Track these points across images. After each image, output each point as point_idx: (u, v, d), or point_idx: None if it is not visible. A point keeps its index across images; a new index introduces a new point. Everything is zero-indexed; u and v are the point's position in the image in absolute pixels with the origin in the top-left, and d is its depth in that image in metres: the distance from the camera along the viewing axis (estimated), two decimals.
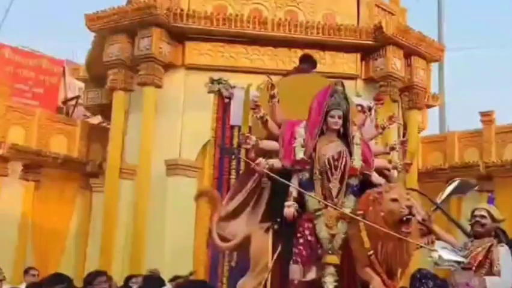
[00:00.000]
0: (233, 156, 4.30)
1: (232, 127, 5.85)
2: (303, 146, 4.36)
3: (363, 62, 9.13)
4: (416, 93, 9.28)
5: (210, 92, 5.98)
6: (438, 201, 4.46)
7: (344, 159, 4.33)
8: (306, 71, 5.81)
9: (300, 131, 4.44)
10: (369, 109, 4.79)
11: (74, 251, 10.49)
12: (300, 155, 4.32)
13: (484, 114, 10.10)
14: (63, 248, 10.42)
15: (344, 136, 4.45)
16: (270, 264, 4.16)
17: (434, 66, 12.98)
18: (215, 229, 4.48)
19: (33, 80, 15.47)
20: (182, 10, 8.67)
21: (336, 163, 4.30)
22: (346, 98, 4.45)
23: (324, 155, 4.31)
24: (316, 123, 4.40)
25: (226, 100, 5.92)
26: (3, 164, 9.80)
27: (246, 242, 4.36)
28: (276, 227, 4.28)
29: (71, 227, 10.57)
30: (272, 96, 4.53)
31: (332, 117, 4.39)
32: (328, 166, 4.28)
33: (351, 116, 4.47)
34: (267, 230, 4.30)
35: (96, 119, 13.02)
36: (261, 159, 4.29)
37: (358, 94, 5.73)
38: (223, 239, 4.52)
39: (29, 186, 10.14)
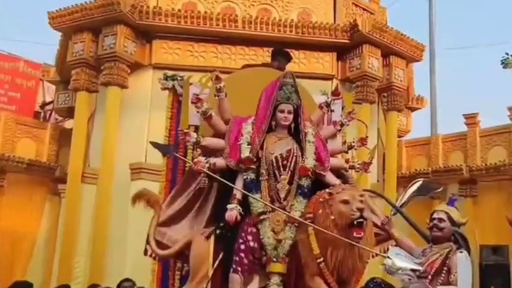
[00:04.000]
0: (167, 155, 3.89)
1: (189, 126, 5.44)
2: (249, 144, 3.98)
3: (339, 62, 8.72)
4: (395, 94, 8.85)
5: (163, 88, 5.59)
6: (399, 203, 4.06)
7: (294, 157, 3.96)
8: (279, 67, 5.40)
9: (247, 127, 4.07)
10: (327, 105, 4.38)
11: (42, 258, 10.03)
12: (245, 153, 3.95)
13: (468, 116, 9.72)
14: (30, 255, 9.99)
15: (296, 133, 4.08)
16: (210, 273, 3.76)
17: (425, 69, 12.68)
18: (152, 235, 4.07)
19: (10, 83, 15.07)
20: (148, 7, 8.27)
21: (284, 162, 3.93)
22: (297, 91, 4.07)
23: (271, 153, 3.94)
24: (263, 118, 4.03)
25: (181, 98, 5.52)
26: None
27: (187, 249, 3.96)
28: (218, 232, 3.89)
29: (40, 233, 10.14)
30: (218, 90, 4.15)
31: (281, 111, 4.02)
32: (275, 165, 3.92)
33: (303, 110, 4.09)
34: (208, 236, 3.90)
35: (70, 123, 12.60)
36: (200, 158, 3.92)
37: (324, 92, 5.30)
38: (162, 246, 4.12)
39: None
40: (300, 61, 8.67)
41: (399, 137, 10.28)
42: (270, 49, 7.44)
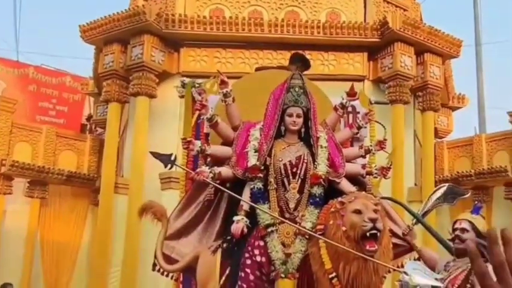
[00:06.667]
0: (169, 165, 3.74)
1: (207, 135, 5.29)
2: (256, 151, 3.77)
3: (371, 62, 8.38)
4: (431, 93, 8.38)
5: (181, 96, 5.45)
6: (421, 211, 3.74)
7: (305, 164, 3.71)
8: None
9: (255, 133, 3.85)
10: (342, 106, 4.10)
11: (86, 268, 10.18)
12: (252, 161, 3.73)
13: None
14: (73, 266, 10.14)
15: (307, 138, 3.83)
16: None
17: (471, 66, 12.06)
18: (160, 249, 3.92)
19: (57, 98, 15.51)
20: (173, 15, 8.22)
21: (294, 169, 3.68)
22: (306, 93, 3.82)
23: (280, 160, 3.71)
24: (271, 123, 3.81)
25: None
26: (7, 182, 9.61)
27: (195, 263, 3.79)
28: (225, 245, 3.69)
29: (82, 243, 10.27)
30: (225, 95, 3.96)
31: (290, 115, 3.78)
32: (284, 173, 3.68)
33: (314, 113, 3.83)
34: (215, 250, 3.71)
35: None
36: (203, 167, 3.72)
37: (347, 92, 5.01)
38: (171, 260, 3.96)
39: (35, 203, 9.91)
40: (330, 63, 8.39)
41: (440, 138, 9.79)
42: (298, 52, 7.19)
